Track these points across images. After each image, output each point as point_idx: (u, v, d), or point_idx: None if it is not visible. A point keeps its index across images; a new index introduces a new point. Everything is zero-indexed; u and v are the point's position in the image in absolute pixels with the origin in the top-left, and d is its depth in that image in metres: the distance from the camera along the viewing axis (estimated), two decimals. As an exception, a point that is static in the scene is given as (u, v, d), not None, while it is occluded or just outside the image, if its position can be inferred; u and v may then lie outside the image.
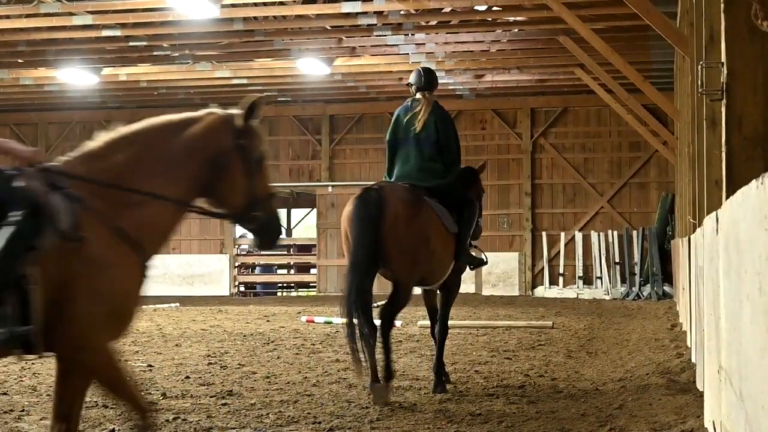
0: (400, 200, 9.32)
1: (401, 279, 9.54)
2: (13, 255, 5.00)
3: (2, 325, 5.03)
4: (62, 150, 33.87)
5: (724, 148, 5.77)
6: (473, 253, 10.39)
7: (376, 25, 21.71)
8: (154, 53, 24.67)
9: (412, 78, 10.32)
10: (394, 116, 10.11)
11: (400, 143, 9.94)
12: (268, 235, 6.21)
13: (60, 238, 5.16)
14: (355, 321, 9.01)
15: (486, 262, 10.46)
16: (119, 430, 7.60)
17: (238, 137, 6.00)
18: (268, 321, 19.52)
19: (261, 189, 6.06)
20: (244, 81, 28.14)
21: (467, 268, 10.44)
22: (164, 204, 5.75)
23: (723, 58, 5.81)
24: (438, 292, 10.32)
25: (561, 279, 30.65)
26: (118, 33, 21.82)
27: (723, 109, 5.80)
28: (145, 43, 23.19)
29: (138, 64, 26.51)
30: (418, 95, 10.15)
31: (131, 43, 23.06)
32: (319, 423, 7.92)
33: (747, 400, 3.92)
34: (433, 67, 25.55)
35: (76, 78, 26.87)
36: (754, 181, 3.49)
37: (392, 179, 9.87)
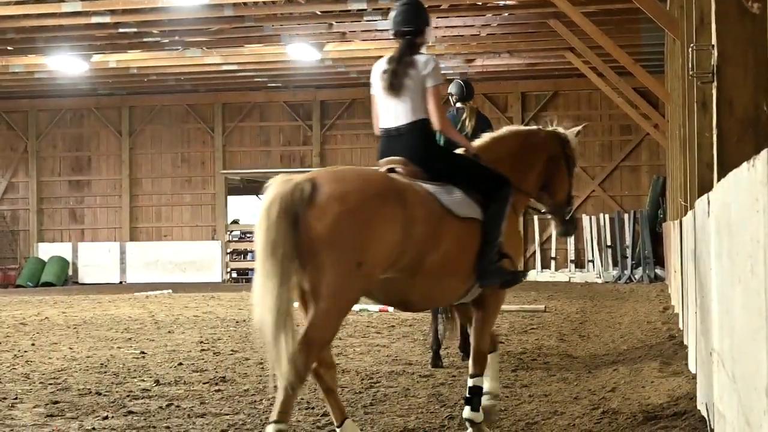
0: None
1: None
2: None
3: None
4: (52, 137, 33.88)
5: (715, 131, 5.77)
6: None
7: (366, 10, 21.69)
8: (144, 40, 24.60)
9: (452, 89, 11.25)
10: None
11: None
12: (573, 226, 8.09)
13: None
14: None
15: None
16: (112, 417, 7.60)
17: (565, 147, 7.91)
18: (260, 307, 19.49)
19: (573, 190, 7.96)
20: (235, 67, 28.09)
21: None
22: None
23: (713, 41, 5.80)
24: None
25: (553, 263, 30.68)
26: (107, 20, 21.75)
27: (714, 92, 5.80)
28: (134, 30, 23.12)
29: (128, 51, 26.45)
30: (459, 104, 11.17)
31: (121, 30, 22.99)
32: (313, 408, 7.92)
33: (740, 381, 3.92)
34: (424, 51, 25.53)
35: (66, 65, 26.81)
36: (745, 163, 3.49)
37: None
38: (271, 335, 5.74)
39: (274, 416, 5.85)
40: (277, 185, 5.99)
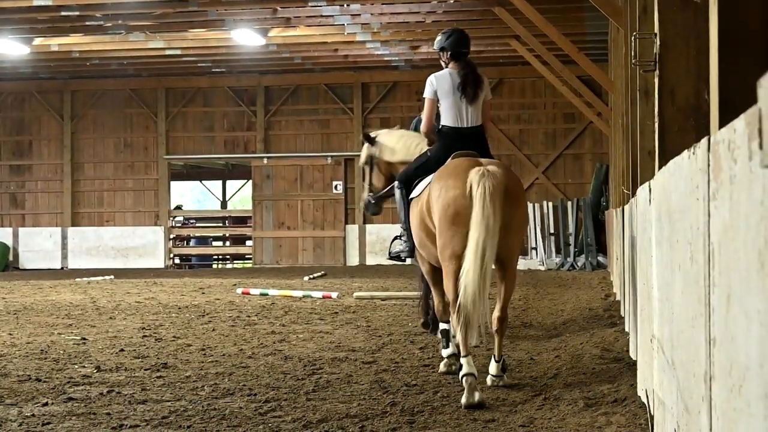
0: None
1: None
2: None
3: None
4: (-7, 121, 33.49)
5: (657, 119, 5.81)
6: None
7: (311, -5, 21.62)
8: (87, 23, 24.36)
9: None
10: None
11: None
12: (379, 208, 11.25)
13: None
14: None
15: None
16: (52, 403, 7.54)
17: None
18: (203, 293, 19.44)
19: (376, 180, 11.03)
20: (178, 52, 27.91)
21: None
22: None
23: (656, 29, 5.84)
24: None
25: (496, 250, 30.78)
26: (49, 2, 21.52)
27: (656, 80, 5.84)
28: (77, 13, 22.88)
29: (70, 35, 26.19)
30: None
31: (63, 13, 22.74)
32: (255, 395, 7.90)
33: (679, 368, 3.95)
34: (368, 37, 25.52)
35: (6, 48, 26.49)
36: (686, 151, 3.51)
37: None
38: (481, 293, 7.81)
39: (465, 351, 7.79)
40: (480, 174, 7.96)
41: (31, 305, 16.68)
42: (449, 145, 9.06)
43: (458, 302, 7.81)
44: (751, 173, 2.17)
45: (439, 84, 9.18)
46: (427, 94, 9.24)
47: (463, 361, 7.78)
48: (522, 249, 9.84)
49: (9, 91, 33.82)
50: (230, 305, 16.36)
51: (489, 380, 8.38)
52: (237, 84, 32.94)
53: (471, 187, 7.96)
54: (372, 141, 11.03)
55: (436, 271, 9.26)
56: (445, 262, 8.24)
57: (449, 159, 8.81)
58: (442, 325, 9.39)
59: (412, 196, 9.36)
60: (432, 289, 9.78)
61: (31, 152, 34.08)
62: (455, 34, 9.38)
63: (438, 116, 9.40)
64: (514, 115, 31.46)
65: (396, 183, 9.87)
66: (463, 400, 7.39)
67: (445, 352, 9.20)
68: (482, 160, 8.49)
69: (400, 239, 9.99)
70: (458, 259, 8.01)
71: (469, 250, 7.83)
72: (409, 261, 11.52)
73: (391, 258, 10.31)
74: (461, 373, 7.67)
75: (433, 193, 8.39)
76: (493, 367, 8.43)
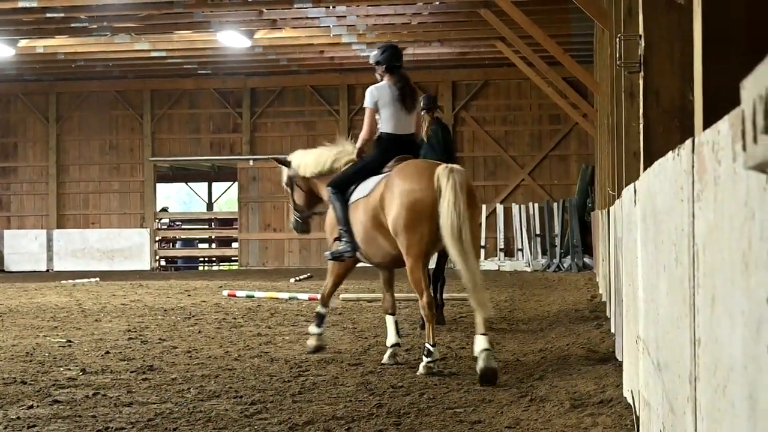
0: None
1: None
2: None
3: None
4: (-22, 123, 33.41)
5: (642, 120, 5.82)
6: None
7: (297, -3, 21.62)
8: (72, 25, 24.31)
9: (420, 102, 13.30)
10: None
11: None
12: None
13: None
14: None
15: None
16: (38, 406, 7.52)
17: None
18: (189, 295, 19.42)
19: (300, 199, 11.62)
20: (163, 53, 27.88)
21: None
22: None
23: (641, 31, 5.85)
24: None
25: (482, 251, 30.83)
26: (35, 4, 21.47)
27: (641, 82, 5.85)
28: (62, 15, 22.84)
29: (55, 36, 26.13)
30: (423, 113, 13.46)
31: (48, 15, 22.70)
32: (241, 397, 7.89)
33: (664, 369, 3.96)
34: (354, 39, 25.53)
35: (-9, 50, 26.43)
36: (671, 152, 3.52)
37: None
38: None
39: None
40: (448, 170, 8.93)
41: (16, 308, 16.64)
42: (388, 150, 9.90)
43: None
44: (735, 174, 2.18)
45: (380, 95, 9.95)
46: (369, 104, 9.98)
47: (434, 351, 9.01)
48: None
49: (-6, 93, 33.74)
50: (216, 307, 16.34)
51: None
52: (223, 86, 32.92)
53: (439, 182, 8.93)
54: (287, 164, 11.38)
55: (381, 266, 10.43)
56: (412, 257, 9.23)
57: (391, 162, 9.74)
58: (321, 309, 10.58)
59: (354, 198, 9.93)
60: (386, 285, 10.51)
61: (17, 154, 34.00)
62: (390, 49, 10.23)
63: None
64: (500, 117, 31.49)
65: (330, 189, 10.23)
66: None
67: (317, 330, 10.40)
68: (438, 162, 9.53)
69: (341, 240, 10.22)
70: (430, 253, 9.23)
71: (446, 235, 8.80)
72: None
73: (333, 259, 10.49)
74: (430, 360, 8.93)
75: (394, 193, 9.23)
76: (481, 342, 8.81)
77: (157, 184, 34.38)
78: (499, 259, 30.33)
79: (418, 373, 9.04)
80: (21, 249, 33.24)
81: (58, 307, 16.72)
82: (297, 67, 31.01)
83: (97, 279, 25.86)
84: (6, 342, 11.74)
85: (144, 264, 32.84)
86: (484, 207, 30.89)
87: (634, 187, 5.64)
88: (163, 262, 34.09)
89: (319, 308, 10.66)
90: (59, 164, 33.62)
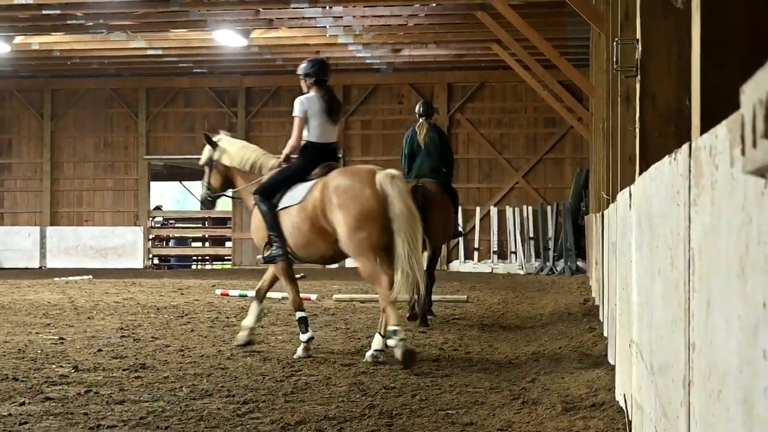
0: (436, 191, 13.83)
1: (439, 243, 14.38)
2: None
3: None
4: (-27, 119, 33.39)
5: (638, 124, 5.82)
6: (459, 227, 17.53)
7: (293, -3, 21.62)
8: (68, 22, 24.30)
9: (417, 108, 14.87)
10: (409, 135, 14.51)
11: (415, 154, 14.32)
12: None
13: None
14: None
15: (463, 233, 13.81)
16: (29, 403, 7.51)
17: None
18: (182, 294, 19.41)
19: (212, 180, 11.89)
20: (160, 52, 27.87)
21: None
22: None
23: (638, 35, 5.85)
24: (429, 252, 13.74)
25: (476, 253, 30.84)
26: (30, 1, 21.45)
27: (637, 86, 5.85)
28: (58, 12, 22.83)
29: (51, 33, 26.11)
30: (421, 120, 14.61)
31: (44, 12, 22.68)
32: (233, 396, 7.88)
33: (657, 373, 3.96)
34: (350, 40, 25.53)
35: (-13, 46, 26.40)
36: (666, 156, 3.52)
37: (412, 177, 14.00)
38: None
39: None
40: (390, 177, 9.72)
41: (9, 304, 16.62)
42: (314, 157, 10.50)
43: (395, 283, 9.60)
44: (733, 179, 2.18)
45: (309, 105, 10.53)
46: (298, 113, 10.52)
47: (400, 330, 9.54)
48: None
49: (-11, 89, 33.71)
50: (209, 306, 16.33)
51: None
52: (218, 85, 32.91)
53: (384, 189, 9.70)
54: (213, 144, 11.66)
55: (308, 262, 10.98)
56: (364, 255, 9.86)
57: (317, 169, 10.37)
58: (299, 314, 10.57)
59: (284, 204, 10.46)
60: (289, 286, 10.79)
61: (11, 151, 33.97)
62: (319, 63, 10.86)
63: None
64: (495, 119, 31.51)
65: (256, 197, 10.67)
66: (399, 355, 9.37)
67: (304, 337, 10.39)
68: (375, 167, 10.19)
69: (272, 245, 10.60)
70: (378, 250, 9.80)
71: (399, 241, 9.59)
72: None
73: (265, 262, 10.86)
74: (399, 340, 9.43)
75: (339, 199, 9.86)
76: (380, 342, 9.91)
77: (151, 183, 34.35)
78: (493, 262, 30.34)
79: (398, 356, 9.50)
80: (14, 246, 33.20)
81: (51, 304, 16.70)
82: (293, 67, 30.93)
83: (90, 277, 25.83)
84: (-2, 338, 11.72)
85: (137, 262, 32.82)
86: (477, 209, 30.92)
87: (630, 191, 5.65)
88: (156, 261, 34.06)
89: (299, 314, 10.68)
90: (53, 161, 33.59)
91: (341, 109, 10.91)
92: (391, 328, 9.50)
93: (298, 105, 10.54)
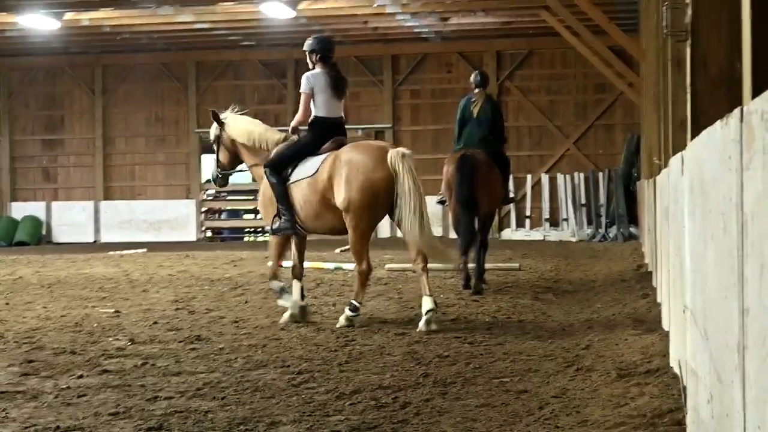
0: (484, 161, 13.80)
1: (490, 211, 14.43)
2: None
3: None
4: (25, 96, 33.69)
5: (689, 89, 5.78)
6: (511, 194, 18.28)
7: (340, -33, 21.60)
8: (117, -3, 24.41)
9: (473, 78, 14.71)
10: (462, 104, 14.50)
11: (466, 123, 14.33)
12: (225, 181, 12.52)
13: None
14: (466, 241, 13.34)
15: (515, 199, 14.16)
16: (87, 375, 7.61)
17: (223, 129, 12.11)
18: (235, 266, 19.52)
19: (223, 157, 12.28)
20: (207, 25, 27.94)
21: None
22: None
23: (688, -1, 5.80)
24: (480, 220, 14.10)
25: (528, 221, 30.77)
26: (79, -23, 21.57)
27: (688, 50, 5.80)
28: (107, -13, 22.93)
29: (100, 9, 26.24)
30: (477, 90, 14.53)
31: (93, -13, 22.80)
32: (288, 366, 7.94)
33: (711, 339, 3.95)
34: (398, 9, 25.46)
35: (37, 23, 26.57)
36: (718, 121, 3.50)
37: (460, 147, 14.20)
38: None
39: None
40: (401, 155, 10.14)
41: (65, 279, 16.81)
42: (323, 133, 10.81)
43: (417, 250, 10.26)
44: (785, 143, 2.17)
45: (315, 81, 10.83)
46: (305, 89, 10.85)
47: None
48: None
49: (40, 66, 33.95)
50: (262, 278, 16.41)
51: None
52: (267, 57, 32.94)
53: (394, 166, 10.11)
54: (220, 122, 11.95)
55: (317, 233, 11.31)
56: (361, 232, 10.35)
57: (327, 144, 10.71)
58: (274, 283, 11.15)
59: (295, 178, 10.76)
60: (275, 257, 11.36)
61: (63, 127, 34.24)
62: (323, 40, 11.12)
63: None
64: (544, 86, 31.33)
65: (267, 171, 10.92)
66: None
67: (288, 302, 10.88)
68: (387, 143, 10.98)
69: (281, 218, 10.87)
70: (374, 228, 10.67)
71: (407, 213, 10.07)
72: None
73: (273, 234, 11.15)
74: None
75: (348, 174, 10.22)
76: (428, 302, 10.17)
77: (203, 156, 34.48)
78: (545, 229, 30.25)
79: (337, 326, 10.23)
80: (68, 221, 33.51)
81: (106, 278, 16.87)
82: (341, 37, 30.94)
83: (145, 250, 26.05)
84: (55, 312, 11.87)
85: (190, 235, 33.02)
86: (528, 177, 30.81)
87: (682, 156, 5.62)
88: (209, 233, 34.25)
89: (294, 283, 11.10)
90: (105, 136, 33.82)
91: (347, 84, 11.12)
92: (353, 302, 10.47)
93: (305, 81, 10.86)
